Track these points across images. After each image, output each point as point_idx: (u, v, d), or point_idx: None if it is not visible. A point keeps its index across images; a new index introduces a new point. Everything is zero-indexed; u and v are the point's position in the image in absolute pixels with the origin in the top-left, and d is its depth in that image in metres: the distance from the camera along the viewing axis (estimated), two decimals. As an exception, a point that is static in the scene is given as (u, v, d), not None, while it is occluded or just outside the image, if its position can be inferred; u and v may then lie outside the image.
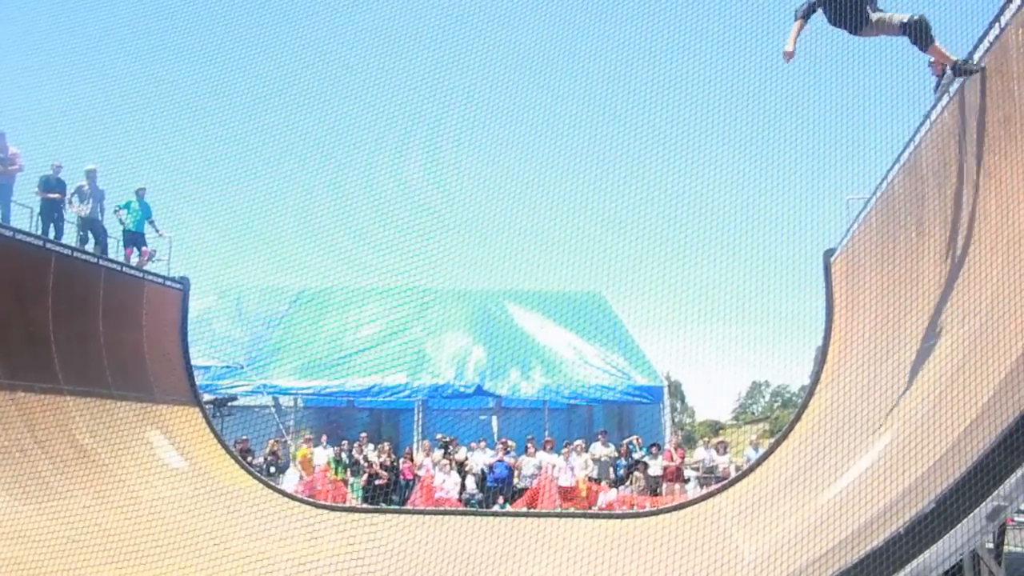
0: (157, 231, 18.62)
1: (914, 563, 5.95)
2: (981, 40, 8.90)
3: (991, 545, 8.70)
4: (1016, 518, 11.85)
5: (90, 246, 17.02)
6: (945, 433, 6.91)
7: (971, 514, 5.86)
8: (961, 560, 6.75)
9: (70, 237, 16.71)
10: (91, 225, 17.12)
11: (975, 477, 5.91)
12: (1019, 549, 11.24)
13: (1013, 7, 8.01)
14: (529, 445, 19.50)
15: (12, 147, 15.75)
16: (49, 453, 13.03)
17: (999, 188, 8.07)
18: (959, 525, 5.87)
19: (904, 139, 12.09)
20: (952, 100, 9.84)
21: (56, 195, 16.41)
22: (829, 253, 16.99)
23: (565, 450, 19.23)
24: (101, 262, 16.86)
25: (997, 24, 8.42)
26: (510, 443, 19.98)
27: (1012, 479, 5.81)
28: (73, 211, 16.91)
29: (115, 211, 17.84)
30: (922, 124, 11.27)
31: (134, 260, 18.19)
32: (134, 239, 18.20)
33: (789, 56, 9.67)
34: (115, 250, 18.08)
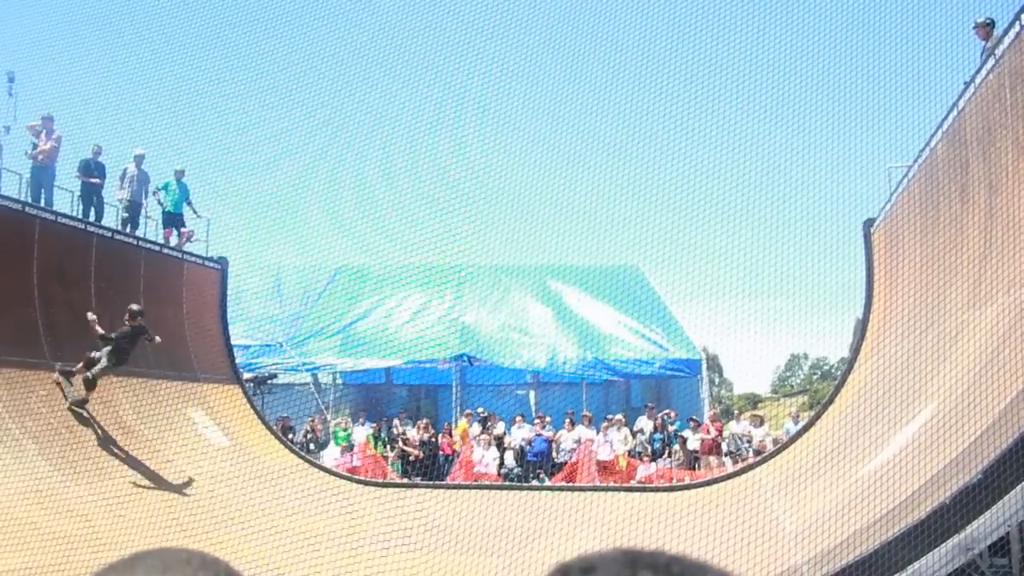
0: (195, 212, 18.83)
1: (960, 534, 5.88)
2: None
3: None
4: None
5: (132, 228, 17.26)
6: (991, 404, 6.80)
7: (1019, 485, 5.77)
8: (1008, 532, 6.66)
9: (109, 219, 16.94)
10: (135, 209, 17.37)
11: (1023, 447, 5.82)
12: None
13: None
14: (568, 420, 19.52)
15: (57, 130, 15.97)
16: (95, 431, 13.29)
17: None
18: (1007, 496, 5.78)
19: (947, 105, 11.85)
20: (997, 64, 9.61)
21: (96, 180, 16.61)
22: (869, 223, 16.73)
23: (604, 424, 19.23)
24: (141, 244, 17.08)
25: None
26: (547, 418, 20.03)
27: (1062, 449, 5.71)
28: (117, 197, 17.16)
29: (153, 192, 18.05)
30: (966, 89, 11.02)
31: (173, 241, 18.40)
32: (173, 220, 18.41)
33: None
34: (154, 231, 18.30)
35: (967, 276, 9.75)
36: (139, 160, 17.53)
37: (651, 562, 0.76)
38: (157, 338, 13.64)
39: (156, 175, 18.11)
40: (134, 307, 13.48)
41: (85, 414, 13.35)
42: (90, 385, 13.10)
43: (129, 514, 11.19)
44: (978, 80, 10.40)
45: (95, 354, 13.09)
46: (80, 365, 13.16)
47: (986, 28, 11.74)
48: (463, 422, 20.48)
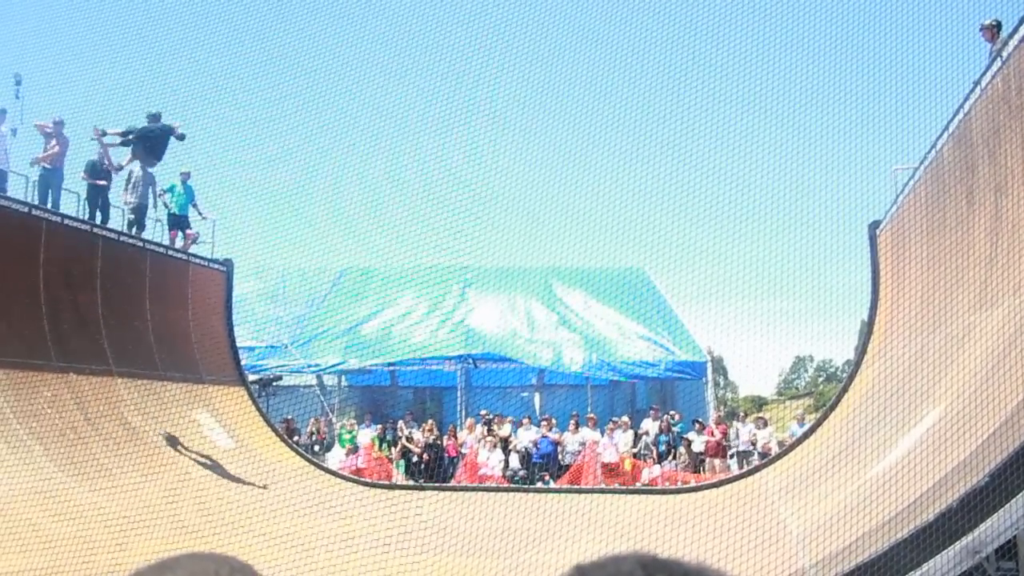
0: (200, 214, 18.85)
1: (967, 537, 5.86)
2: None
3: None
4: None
5: (138, 231, 17.28)
6: (999, 406, 6.78)
7: (1027, 488, 5.75)
8: (1016, 535, 6.63)
9: (115, 222, 16.97)
10: (141, 212, 17.38)
11: (1030, 450, 5.80)
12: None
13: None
14: (572, 422, 19.52)
15: (66, 132, 16.03)
16: (101, 433, 13.31)
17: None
18: (1014, 499, 5.76)
19: (953, 107, 11.83)
20: (1004, 66, 9.58)
21: (103, 182, 16.64)
22: (875, 225, 16.70)
23: (610, 426, 19.23)
24: (146, 246, 17.12)
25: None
26: (552, 420, 20.02)
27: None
28: (124, 200, 17.18)
29: (159, 195, 18.07)
30: (972, 91, 11.00)
31: (179, 243, 18.43)
32: (178, 222, 18.43)
33: None
34: (160, 233, 18.34)
35: (973, 279, 9.73)
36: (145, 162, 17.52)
37: (667, 570, 0.75)
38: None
39: (162, 177, 18.14)
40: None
41: None
42: None
43: (134, 516, 11.19)
44: (984, 82, 10.38)
45: None
46: None
47: (992, 30, 11.76)
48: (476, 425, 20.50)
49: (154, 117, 16.16)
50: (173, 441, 14.18)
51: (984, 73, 10.55)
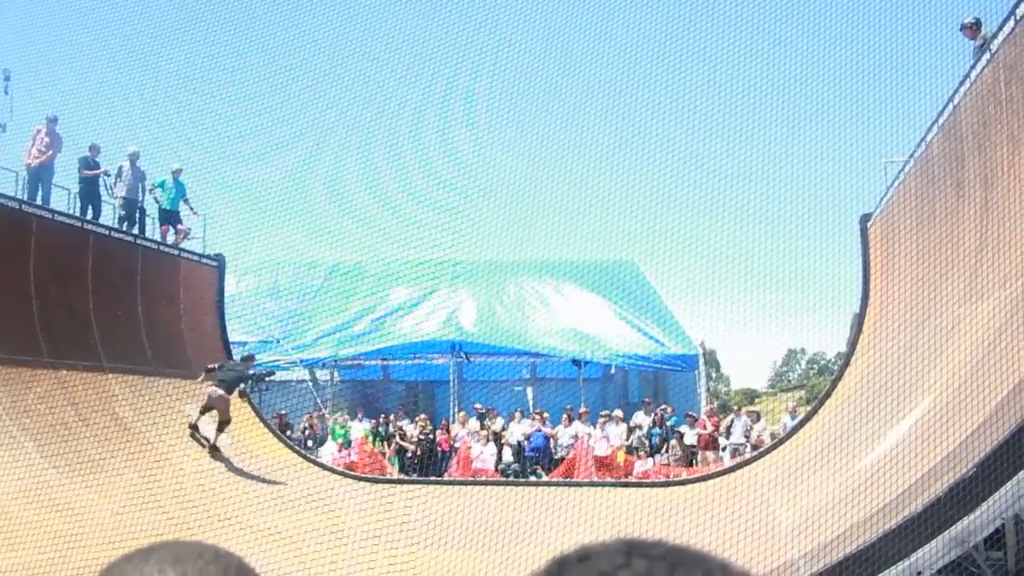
0: (192, 210, 18.81)
1: (955, 527, 5.91)
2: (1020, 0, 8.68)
3: (1033, 510, 8.61)
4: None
5: (129, 226, 17.23)
6: (986, 397, 6.83)
7: (1013, 478, 5.80)
8: (1003, 525, 6.69)
9: (107, 217, 16.93)
10: (131, 206, 17.33)
11: (1017, 441, 5.85)
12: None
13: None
14: (565, 415, 19.54)
15: (58, 130, 15.98)
16: (92, 429, 13.29)
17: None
18: (1001, 489, 5.81)
19: (942, 100, 11.89)
20: (992, 59, 9.63)
21: (97, 172, 16.62)
22: (866, 218, 16.75)
23: (601, 419, 19.26)
24: (138, 241, 17.08)
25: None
26: (544, 414, 20.05)
27: (1056, 443, 5.74)
28: (114, 196, 17.15)
29: (150, 190, 18.03)
30: (961, 84, 11.04)
31: (170, 238, 18.39)
32: (169, 217, 18.39)
33: None
34: (152, 229, 18.30)
35: (963, 271, 9.78)
36: (134, 157, 17.45)
37: (646, 551, 0.77)
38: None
39: (153, 173, 18.11)
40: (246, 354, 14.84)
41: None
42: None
43: (126, 511, 11.19)
44: (973, 75, 10.42)
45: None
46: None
47: (973, 28, 11.95)
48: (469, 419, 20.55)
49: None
50: (214, 452, 14.66)
51: (972, 68, 10.61)
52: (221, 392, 14.41)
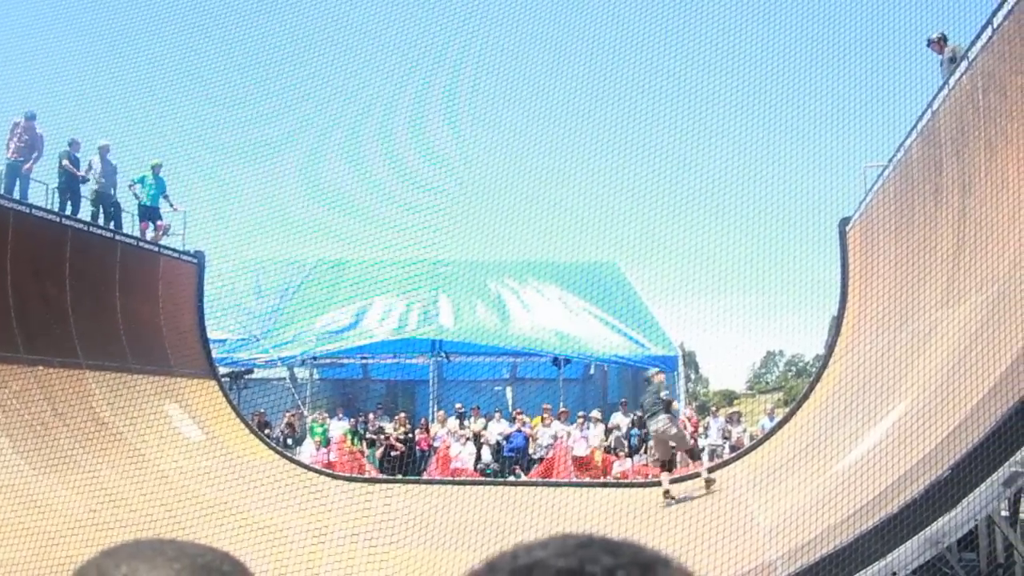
0: (172, 206, 18.65)
1: (929, 528, 5.98)
2: (999, 8, 8.79)
3: (1007, 512, 8.72)
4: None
5: (102, 221, 17.04)
6: (962, 401, 6.91)
7: (987, 480, 5.87)
8: (975, 525, 6.78)
9: (85, 213, 16.77)
10: (103, 200, 17.13)
11: (991, 444, 5.92)
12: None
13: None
14: (545, 415, 19.59)
15: (38, 128, 15.81)
16: (69, 426, 13.19)
17: (1018, 154, 7.99)
18: (975, 491, 5.89)
19: (922, 106, 12.02)
20: (971, 67, 9.74)
21: (78, 173, 16.45)
22: (845, 222, 16.89)
23: (579, 420, 19.32)
24: (117, 237, 16.94)
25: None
26: (525, 417, 20.09)
27: (1029, 446, 5.82)
28: (86, 190, 16.98)
29: (129, 186, 17.88)
30: (940, 90, 11.17)
31: (149, 234, 18.25)
32: (149, 213, 18.23)
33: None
34: (130, 225, 18.16)
35: (940, 275, 9.89)
36: (104, 151, 17.16)
37: (582, 546, 0.77)
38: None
39: (130, 169, 17.94)
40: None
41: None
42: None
43: (102, 509, 11.11)
44: (952, 81, 10.54)
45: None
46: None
47: (940, 43, 12.33)
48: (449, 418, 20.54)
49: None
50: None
51: (944, 83, 10.80)
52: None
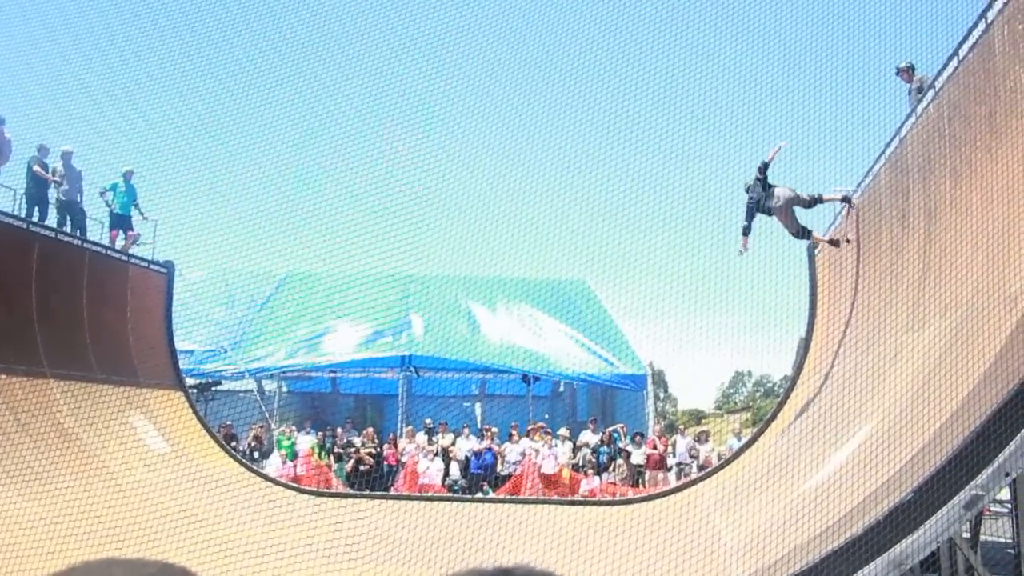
0: (142, 214, 18.45)
1: (893, 550, 6.07)
2: (964, 40, 8.99)
3: (968, 534, 8.86)
4: (992, 508, 12.05)
5: (68, 228, 16.82)
6: (925, 424, 7.02)
7: (949, 503, 5.98)
8: (938, 547, 6.88)
9: (52, 220, 16.54)
10: (68, 207, 16.87)
11: (953, 467, 6.03)
12: (995, 538, 11.43)
13: (998, 5, 8.10)
14: (513, 432, 19.59)
15: (7, 132, 15.58)
16: (32, 436, 12.99)
17: (982, 183, 8.17)
18: (937, 514, 5.99)
19: (889, 133, 12.25)
20: (937, 96, 9.94)
21: (49, 178, 16.24)
22: (813, 245, 17.11)
23: (547, 438, 19.33)
24: (85, 245, 16.75)
25: (983, 21, 8.51)
26: (493, 429, 20.08)
27: (988, 470, 5.93)
28: (52, 197, 16.73)
29: (101, 193, 17.68)
30: (907, 119, 11.38)
31: (119, 243, 18.05)
32: (120, 222, 18.02)
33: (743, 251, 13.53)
34: (99, 233, 17.92)
35: (905, 299, 10.05)
36: (67, 157, 16.86)
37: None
38: None
39: (102, 176, 17.74)
40: None
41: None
42: None
43: (64, 521, 10.95)
44: (918, 110, 10.76)
45: None
46: None
47: (908, 72, 12.71)
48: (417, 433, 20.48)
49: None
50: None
51: (911, 111, 11.02)
52: None
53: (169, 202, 19.61)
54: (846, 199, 13.86)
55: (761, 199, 13.39)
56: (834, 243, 14.18)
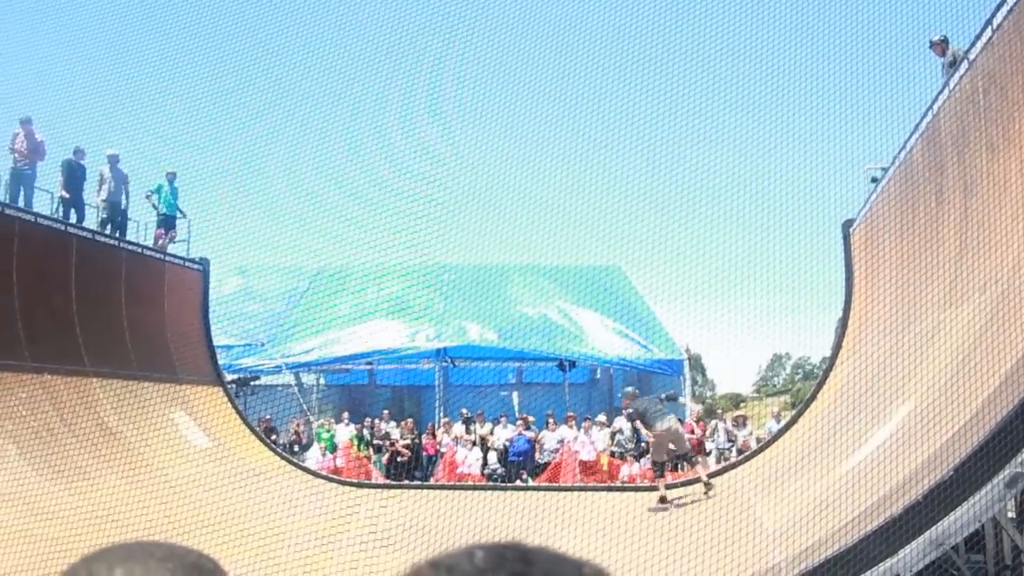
0: (181, 213, 18.83)
1: (933, 530, 5.97)
2: (999, 6, 8.78)
3: (1012, 513, 8.71)
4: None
5: (110, 230, 17.12)
6: (966, 402, 6.90)
7: (990, 482, 5.87)
8: (982, 527, 6.76)
9: (90, 221, 16.82)
10: (112, 210, 17.20)
11: (994, 445, 5.91)
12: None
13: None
14: (550, 420, 19.57)
15: (39, 134, 15.85)
16: (77, 434, 13.23)
17: (1020, 154, 7.99)
18: (978, 493, 5.88)
19: (923, 108, 12.02)
20: (971, 67, 9.73)
21: (66, 195, 16.38)
22: (848, 224, 16.88)
23: (585, 424, 19.29)
24: (121, 245, 17.00)
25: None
26: (530, 418, 20.08)
27: (1032, 447, 5.81)
28: (97, 200, 17.03)
29: (147, 196, 18.03)
30: (940, 92, 11.16)
31: (160, 242, 18.34)
32: (167, 222, 18.41)
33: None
34: (139, 234, 18.20)
35: (943, 276, 9.88)
36: (113, 160, 17.29)
37: (502, 555, 0.78)
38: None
39: (145, 178, 18.07)
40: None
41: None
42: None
43: (111, 516, 11.14)
44: (952, 83, 10.54)
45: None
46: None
47: (941, 45, 12.45)
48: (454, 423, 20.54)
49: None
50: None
51: (944, 85, 10.80)
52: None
53: (205, 199, 19.84)
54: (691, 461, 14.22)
55: (646, 413, 13.61)
56: (663, 500, 13.62)
